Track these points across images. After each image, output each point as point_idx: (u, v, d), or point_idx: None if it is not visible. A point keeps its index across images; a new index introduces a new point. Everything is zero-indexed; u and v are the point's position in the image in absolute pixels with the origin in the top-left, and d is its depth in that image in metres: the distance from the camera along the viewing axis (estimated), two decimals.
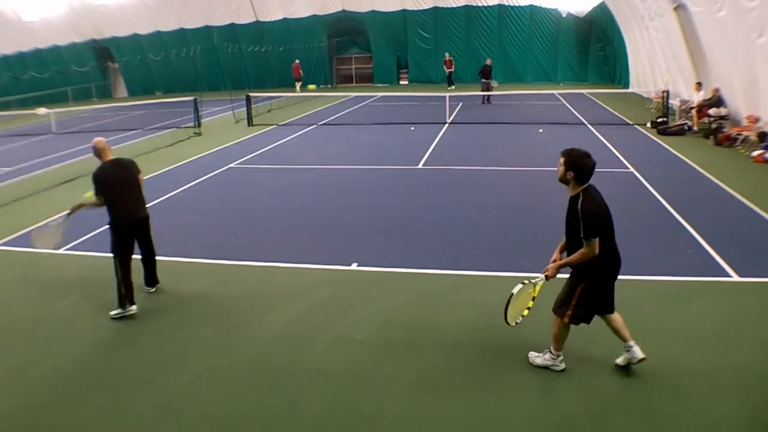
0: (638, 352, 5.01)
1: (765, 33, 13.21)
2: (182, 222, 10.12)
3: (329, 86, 39.64)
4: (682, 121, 17.35)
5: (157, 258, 8.19)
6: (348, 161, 14.78)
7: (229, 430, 4.55)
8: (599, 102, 25.18)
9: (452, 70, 34.04)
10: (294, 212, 10.39)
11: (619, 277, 6.98)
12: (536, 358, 5.22)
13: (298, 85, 36.56)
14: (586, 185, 5.01)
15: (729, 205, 9.95)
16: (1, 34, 35.37)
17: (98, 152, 6.85)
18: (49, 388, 5.21)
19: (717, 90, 16.53)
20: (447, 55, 34.66)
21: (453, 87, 32.99)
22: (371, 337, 5.90)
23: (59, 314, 6.71)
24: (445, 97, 22.71)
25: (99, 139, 6.94)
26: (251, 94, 23.27)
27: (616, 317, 5.10)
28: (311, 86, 37.61)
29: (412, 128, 19.50)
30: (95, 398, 5.00)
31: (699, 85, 17.54)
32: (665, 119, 17.83)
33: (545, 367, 5.12)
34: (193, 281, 7.54)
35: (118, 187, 6.74)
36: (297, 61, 37.12)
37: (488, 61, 27.34)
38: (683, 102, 19.11)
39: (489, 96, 26.31)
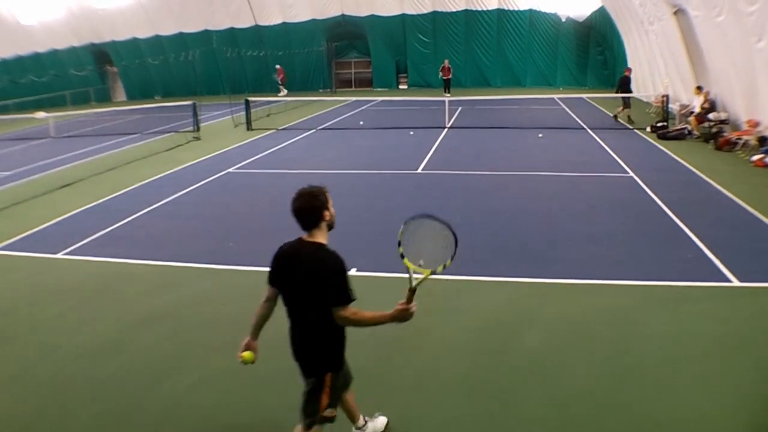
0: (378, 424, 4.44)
1: (764, 37, 13.21)
2: (181, 226, 10.08)
3: (329, 90, 39.64)
4: (682, 126, 17.35)
5: (151, 262, 8.20)
6: (347, 165, 14.75)
7: None
8: (599, 106, 25.17)
9: (450, 77, 32.96)
10: (292, 217, 10.31)
11: (619, 282, 7.09)
12: None
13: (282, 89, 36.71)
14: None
15: (729, 210, 9.93)
16: (0, 38, 35.36)
17: None
18: (45, 394, 5.16)
19: (707, 93, 16.67)
20: (446, 61, 33.52)
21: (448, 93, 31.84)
22: (370, 342, 5.84)
23: (57, 319, 6.66)
24: (444, 101, 22.70)
25: None
26: (250, 99, 23.24)
27: (350, 394, 4.28)
28: None
29: (411, 132, 19.48)
30: (93, 404, 4.95)
31: (699, 89, 17.55)
32: (665, 123, 17.82)
33: None
34: (190, 286, 7.50)
35: None
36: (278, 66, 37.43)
37: (627, 72, 21.77)
38: (683, 106, 19.13)
39: (628, 114, 20.68)
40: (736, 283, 6.96)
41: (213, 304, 6.92)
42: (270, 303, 3.86)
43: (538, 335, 5.90)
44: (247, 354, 3.93)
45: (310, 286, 3.57)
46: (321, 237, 3.71)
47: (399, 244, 3.64)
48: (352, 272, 7.61)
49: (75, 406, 4.96)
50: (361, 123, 18.44)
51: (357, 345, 5.80)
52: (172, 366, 5.54)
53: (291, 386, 5.12)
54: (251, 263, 8.09)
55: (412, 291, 3.54)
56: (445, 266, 3.53)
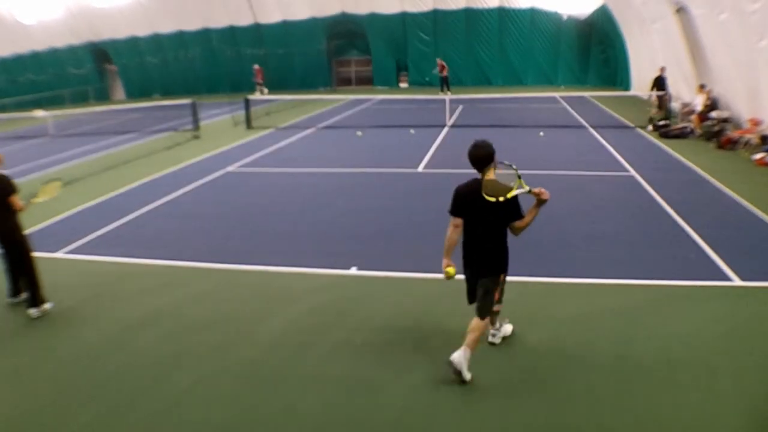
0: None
1: (766, 36, 13.18)
2: (179, 225, 10.04)
3: (329, 89, 39.60)
4: (683, 124, 17.30)
5: (151, 262, 8.12)
6: (347, 164, 14.70)
7: None
8: (600, 105, 25.13)
9: (445, 74, 32.22)
10: (293, 216, 10.32)
11: (620, 281, 7.08)
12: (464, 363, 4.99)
13: (259, 89, 35.61)
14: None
15: (731, 209, 9.89)
16: None
17: None
18: (45, 394, 5.13)
19: (709, 92, 16.65)
20: (438, 60, 33.01)
21: (445, 91, 30.95)
22: (371, 342, 5.83)
23: (56, 319, 6.61)
24: (444, 100, 22.65)
25: None
26: (250, 97, 23.19)
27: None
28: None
29: (412, 131, 19.43)
30: (91, 405, 4.91)
31: (702, 87, 17.49)
32: (667, 122, 17.77)
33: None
34: (189, 285, 7.45)
35: None
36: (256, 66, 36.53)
37: (661, 70, 20.01)
38: (685, 105, 19.08)
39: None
40: (738, 282, 6.93)
41: (213, 304, 6.88)
42: (459, 229, 5.17)
43: (539, 335, 5.87)
44: (451, 269, 5.22)
45: (496, 211, 4.89)
46: (491, 175, 4.97)
47: (519, 177, 4.88)
48: (352, 271, 7.62)
49: (75, 406, 4.91)
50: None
51: (357, 347, 5.78)
52: (172, 366, 5.50)
53: (291, 386, 5.10)
54: (251, 262, 8.06)
55: (530, 191, 4.87)
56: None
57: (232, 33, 39.55)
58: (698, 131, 16.60)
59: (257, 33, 39.46)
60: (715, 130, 15.62)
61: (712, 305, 6.42)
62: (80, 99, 38.19)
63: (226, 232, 9.55)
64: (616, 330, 5.89)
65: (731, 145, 14.56)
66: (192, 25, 39.47)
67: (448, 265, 5.21)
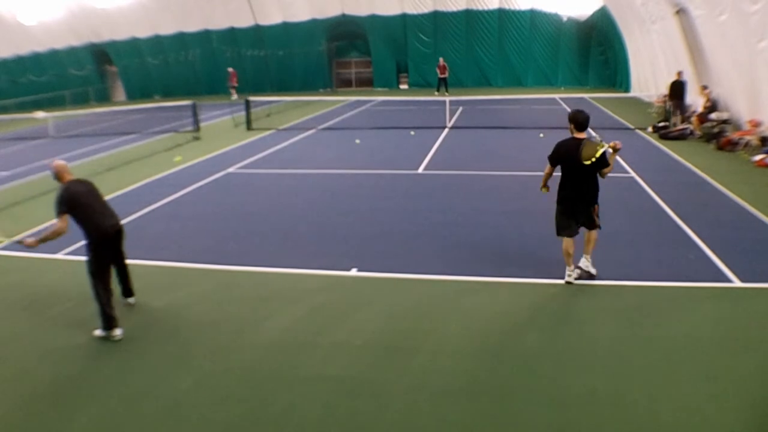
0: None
1: (766, 37, 13.18)
2: (180, 226, 10.05)
3: (329, 90, 39.60)
4: (684, 126, 17.29)
5: (151, 263, 8.14)
6: (347, 166, 14.72)
7: None
8: (600, 106, 25.09)
9: (446, 75, 32.62)
10: (293, 217, 10.33)
11: (620, 282, 7.12)
12: (574, 272, 7.03)
13: (232, 92, 35.41)
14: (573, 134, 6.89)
15: (731, 210, 9.89)
16: None
17: (58, 175, 6.46)
18: (45, 395, 5.14)
19: (708, 93, 16.64)
20: (441, 59, 33.30)
21: (446, 92, 31.13)
22: (371, 343, 5.84)
23: (55, 321, 6.62)
24: (445, 101, 22.66)
25: (58, 162, 6.54)
26: (250, 98, 23.20)
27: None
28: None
29: (412, 132, 19.44)
30: (92, 406, 4.92)
31: (704, 88, 17.45)
32: (667, 123, 17.76)
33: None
34: (190, 286, 7.47)
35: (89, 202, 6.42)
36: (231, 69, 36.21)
37: (678, 75, 18.50)
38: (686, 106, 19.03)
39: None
40: (737, 283, 6.94)
41: (213, 304, 6.89)
42: (552, 170, 7.16)
43: (538, 336, 5.88)
44: (545, 189, 7.45)
45: (588, 165, 6.54)
46: (583, 135, 6.74)
47: (600, 141, 6.65)
48: (353, 272, 7.63)
49: (74, 407, 4.92)
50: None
51: (357, 347, 5.79)
52: (172, 367, 5.52)
53: (290, 387, 5.11)
54: (251, 263, 8.08)
55: (609, 147, 6.62)
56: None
57: (232, 34, 39.55)
58: (698, 133, 16.59)
59: (257, 34, 39.45)
60: (714, 132, 15.63)
61: (712, 306, 6.44)
62: (81, 100, 38.20)
63: (226, 233, 9.56)
64: (615, 330, 5.90)
65: (731, 146, 14.55)
66: (192, 26, 39.48)
67: (544, 186, 7.40)
